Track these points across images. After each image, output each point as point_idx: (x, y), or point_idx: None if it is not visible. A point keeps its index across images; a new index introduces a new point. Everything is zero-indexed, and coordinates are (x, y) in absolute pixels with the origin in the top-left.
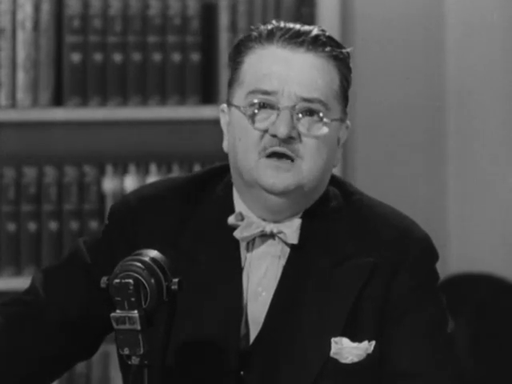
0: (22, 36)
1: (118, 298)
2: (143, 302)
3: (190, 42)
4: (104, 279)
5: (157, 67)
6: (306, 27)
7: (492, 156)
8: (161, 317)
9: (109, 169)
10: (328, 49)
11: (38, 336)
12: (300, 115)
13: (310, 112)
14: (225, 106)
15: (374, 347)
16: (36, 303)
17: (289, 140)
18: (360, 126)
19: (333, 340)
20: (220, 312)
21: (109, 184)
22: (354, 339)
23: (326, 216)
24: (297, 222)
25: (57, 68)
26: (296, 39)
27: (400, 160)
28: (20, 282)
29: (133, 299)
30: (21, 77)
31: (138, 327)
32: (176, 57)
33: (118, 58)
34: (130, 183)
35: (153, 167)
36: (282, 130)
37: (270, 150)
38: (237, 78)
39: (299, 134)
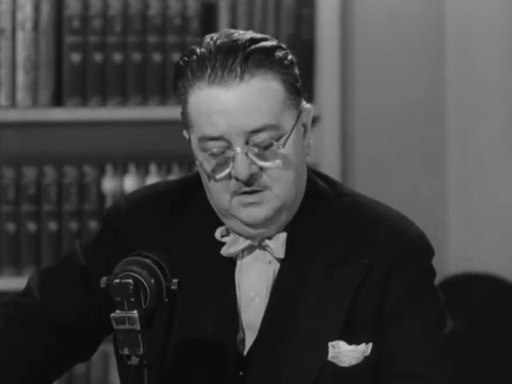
0: (21, 36)
1: (118, 298)
2: (143, 303)
3: (190, 42)
4: (104, 279)
5: (157, 67)
6: (234, 43)
7: (492, 156)
8: (160, 317)
9: (109, 169)
10: (262, 63)
11: (34, 338)
12: (256, 149)
13: (263, 147)
14: (185, 133)
15: (372, 349)
16: (31, 305)
17: (252, 177)
18: (360, 125)
19: (330, 344)
20: (215, 317)
21: (109, 184)
22: (351, 342)
23: (318, 219)
24: (282, 237)
25: (57, 68)
26: (227, 74)
27: (400, 160)
28: (20, 282)
29: (132, 299)
30: (21, 77)
31: (138, 327)
32: (176, 57)
33: (117, 58)
34: (130, 183)
35: (153, 167)
36: (242, 173)
37: (240, 192)
38: (187, 120)
39: (260, 168)
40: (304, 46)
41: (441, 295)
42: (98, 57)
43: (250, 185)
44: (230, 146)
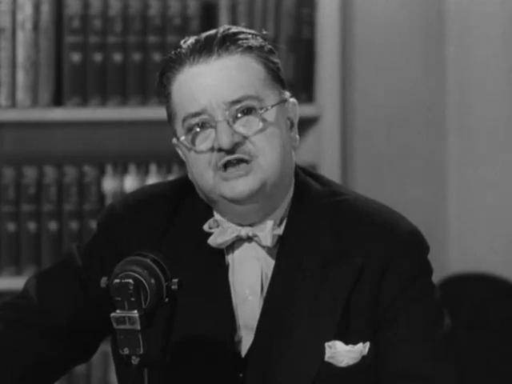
0: (21, 36)
1: (118, 298)
2: (143, 302)
3: None
4: (104, 279)
5: (156, 67)
6: (212, 32)
7: (492, 156)
8: (161, 317)
9: (109, 169)
10: (239, 43)
11: (31, 339)
12: (237, 116)
13: (245, 111)
14: (175, 140)
15: (369, 349)
16: (29, 307)
17: (236, 146)
18: (360, 125)
19: (326, 344)
20: (212, 317)
21: (109, 184)
22: (347, 342)
23: (310, 219)
24: (269, 225)
25: (57, 68)
26: (203, 50)
27: (400, 160)
28: (20, 282)
29: (133, 299)
30: (21, 77)
31: (138, 327)
32: None
33: (117, 57)
34: (130, 183)
35: (153, 167)
36: (224, 141)
37: (222, 162)
38: (171, 112)
39: (243, 137)
40: (304, 45)
41: (438, 292)
42: (97, 57)
43: (234, 153)
44: (212, 119)
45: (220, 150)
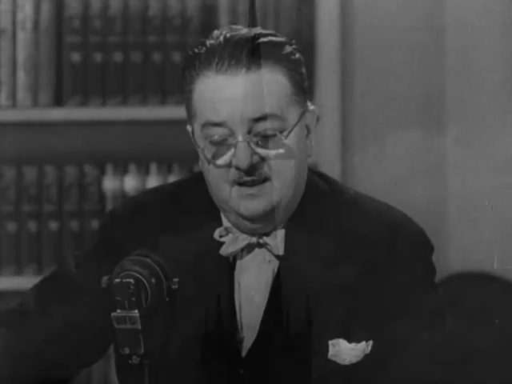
0: (22, 36)
1: (119, 298)
2: (144, 302)
3: (190, 42)
4: (105, 278)
5: (157, 67)
6: (242, 34)
7: (493, 155)
8: (161, 316)
9: (109, 169)
10: (270, 55)
11: (32, 346)
12: (258, 139)
13: (266, 136)
14: (189, 127)
15: (372, 347)
16: (30, 314)
17: (252, 167)
18: (360, 123)
19: (330, 342)
20: (215, 316)
21: (109, 184)
22: (351, 340)
23: (316, 217)
24: (280, 234)
25: (57, 68)
26: (233, 59)
27: (400, 160)
28: (20, 282)
29: (133, 299)
30: (21, 77)
31: (139, 327)
32: (176, 57)
33: (118, 57)
34: (130, 183)
35: (153, 167)
36: (243, 163)
37: (239, 181)
38: (191, 107)
39: (261, 158)
40: (304, 46)
41: (441, 292)
42: (98, 57)
43: (251, 174)
44: (232, 134)
45: (237, 168)
